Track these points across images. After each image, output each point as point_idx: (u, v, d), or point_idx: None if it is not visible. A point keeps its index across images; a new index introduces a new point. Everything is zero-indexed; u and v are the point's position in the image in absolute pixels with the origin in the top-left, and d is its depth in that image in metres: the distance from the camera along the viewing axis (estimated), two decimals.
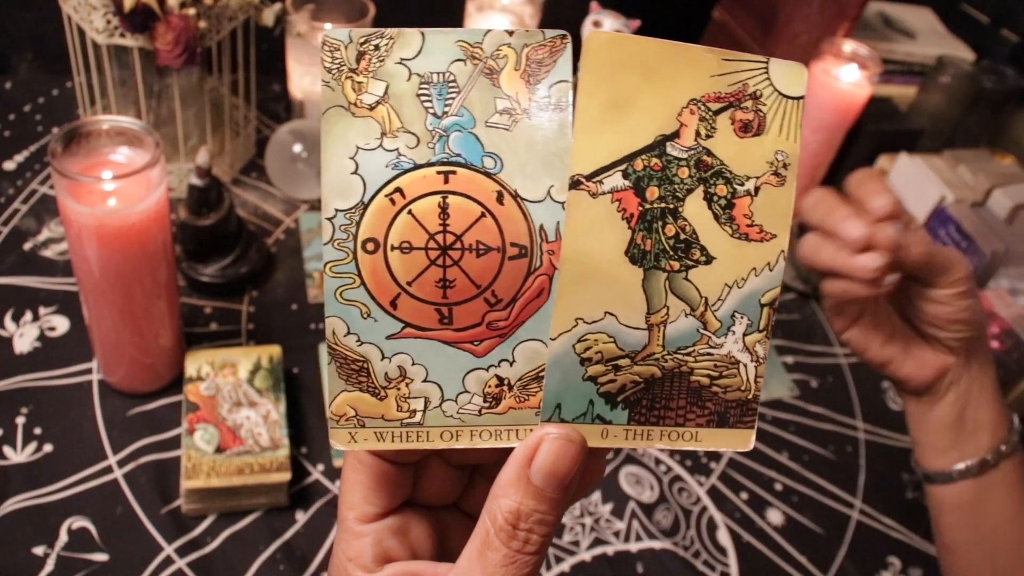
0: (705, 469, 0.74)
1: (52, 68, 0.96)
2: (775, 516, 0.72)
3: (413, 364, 0.28)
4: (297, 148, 0.85)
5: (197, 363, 0.65)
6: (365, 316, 0.28)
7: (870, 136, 0.98)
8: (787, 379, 0.85)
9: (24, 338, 0.69)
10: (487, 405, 0.28)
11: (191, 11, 0.71)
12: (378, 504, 0.30)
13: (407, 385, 0.28)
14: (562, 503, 0.27)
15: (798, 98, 0.28)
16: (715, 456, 0.75)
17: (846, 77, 0.92)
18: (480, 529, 0.27)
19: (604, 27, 0.88)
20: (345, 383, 0.28)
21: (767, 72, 0.28)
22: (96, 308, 0.61)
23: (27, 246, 0.77)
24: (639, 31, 0.90)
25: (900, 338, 0.55)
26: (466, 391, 0.28)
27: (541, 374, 0.28)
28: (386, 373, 0.28)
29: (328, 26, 0.83)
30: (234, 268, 0.76)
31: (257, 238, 0.80)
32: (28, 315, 0.71)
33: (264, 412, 0.63)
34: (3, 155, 0.85)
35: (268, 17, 0.79)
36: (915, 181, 0.94)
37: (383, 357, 0.28)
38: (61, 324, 0.71)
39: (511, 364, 0.28)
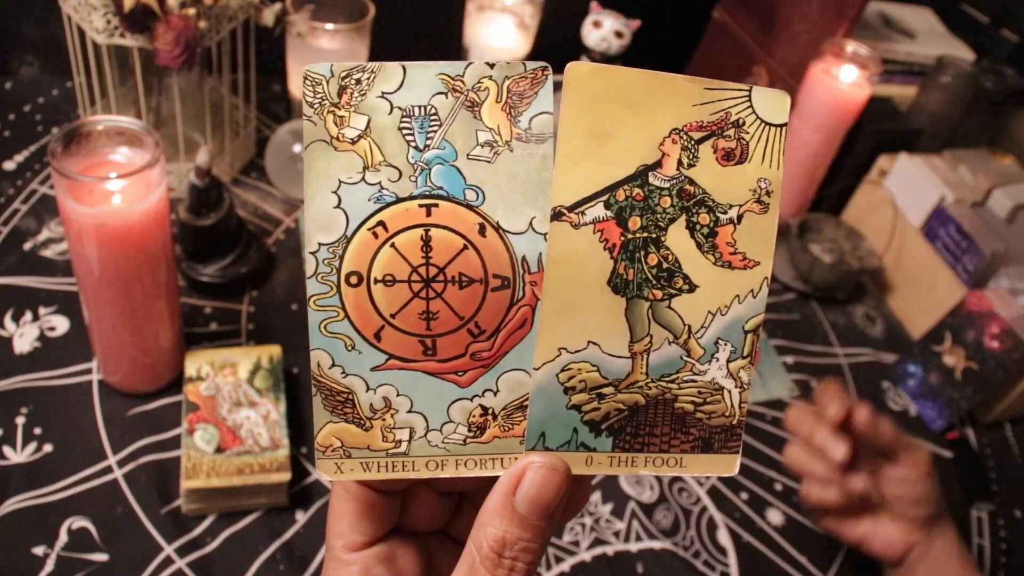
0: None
1: (52, 68, 0.96)
2: (775, 516, 0.72)
3: (398, 395, 0.28)
4: (297, 148, 0.85)
5: (197, 363, 0.65)
6: (349, 348, 0.28)
7: (870, 136, 0.98)
8: (787, 379, 0.85)
9: (24, 338, 0.69)
10: (472, 435, 0.29)
11: (191, 11, 0.71)
12: (365, 532, 0.31)
13: (392, 416, 0.28)
14: (547, 531, 0.28)
15: (781, 125, 0.28)
16: None
17: (846, 77, 0.92)
18: (466, 557, 0.28)
19: (604, 27, 0.88)
20: (331, 414, 0.28)
21: (750, 100, 0.28)
22: (96, 308, 0.61)
23: (27, 246, 0.77)
24: (639, 31, 0.90)
25: (870, 519, 0.63)
26: (451, 421, 0.29)
27: (525, 403, 0.28)
28: (371, 404, 0.28)
29: (329, 26, 0.83)
30: (234, 268, 0.77)
31: (257, 238, 0.80)
32: (28, 315, 0.71)
33: (264, 412, 0.63)
34: (3, 155, 0.85)
35: (268, 17, 0.79)
36: (915, 181, 0.94)
37: (368, 388, 0.28)
38: (61, 324, 0.71)
39: (495, 394, 0.28)
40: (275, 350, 0.67)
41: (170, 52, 0.70)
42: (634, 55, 0.90)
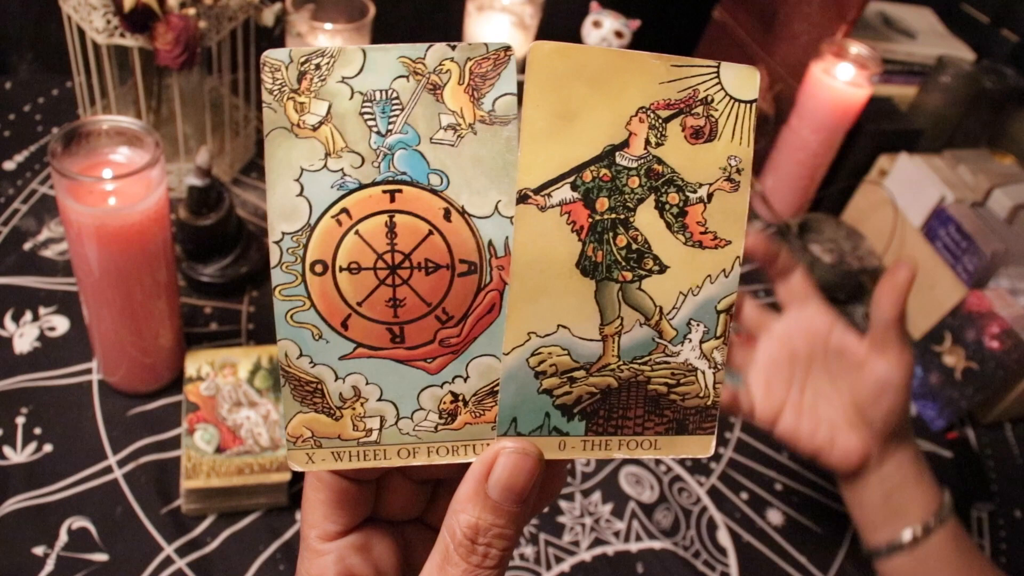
0: (705, 469, 0.74)
1: (52, 68, 0.96)
2: (775, 516, 0.72)
3: (367, 384, 0.28)
4: None
5: (197, 363, 0.65)
6: (317, 338, 0.28)
7: (870, 136, 0.98)
8: None
9: (24, 338, 0.69)
10: (443, 421, 0.28)
11: (191, 11, 0.71)
12: (339, 522, 0.31)
13: (362, 404, 0.28)
14: (520, 517, 0.27)
15: (751, 102, 0.28)
16: (715, 456, 0.75)
17: (845, 77, 0.92)
18: (440, 544, 0.28)
19: (604, 27, 0.89)
20: (300, 404, 0.28)
21: (718, 76, 0.28)
22: (96, 308, 0.61)
23: (27, 246, 0.77)
24: (639, 31, 0.90)
25: (826, 429, 0.60)
26: (421, 408, 0.28)
27: (496, 389, 0.28)
28: (340, 393, 0.28)
29: (329, 26, 0.83)
30: (234, 268, 0.77)
31: (257, 238, 0.80)
32: (28, 315, 0.71)
33: (264, 412, 0.63)
34: (3, 155, 0.85)
35: (268, 17, 0.79)
36: (915, 181, 0.94)
37: (336, 378, 0.28)
38: (61, 324, 0.71)
39: (465, 380, 0.28)
40: (275, 350, 0.67)
41: (170, 52, 0.70)
42: None
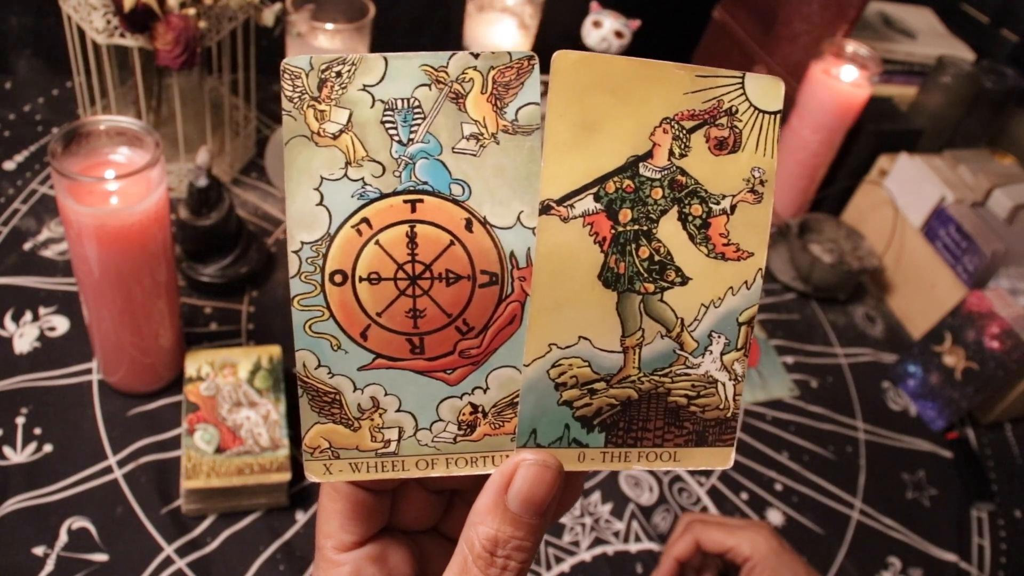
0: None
1: (52, 68, 0.96)
2: (775, 516, 0.72)
3: (386, 394, 0.28)
4: None
5: (197, 363, 0.65)
6: (335, 348, 0.28)
7: (870, 136, 0.98)
8: (787, 379, 0.85)
9: (24, 338, 0.69)
10: (462, 433, 0.28)
11: (191, 11, 0.71)
12: (356, 532, 0.30)
13: (380, 415, 0.28)
14: (540, 529, 0.27)
15: (775, 113, 0.28)
16: None
17: (846, 77, 0.92)
18: (458, 556, 0.27)
19: (604, 27, 0.88)
20: (318, 415, 0.28)
21: (743, 87, 0.28)
22: (96, 308, 0.61)
23: (27, 246, 0.77)
24: (639, 31, 0.90)
25: None
26: (440, 419, 0.28)
27: (515, 400, 0.28)
28: (359, 404, 0.28)
29: (329, 26, 0.83)
30: (234, 268, 0.77)
31: (257, 238, 0.80)
32: (28, 315, 0.71)
33: (264, 412, 0.63)
34: (3, 155, 0.85)
35: (268, 17, 0.79)
36: (915, 181, 0.94)
37: (355, 388, 0.28)
38: (61, 324, 0.71)
39: (485, 391, 0.28)
40: (275, 350, 0.67)
41: (170, 52, 0.70)
42: (634, 55, 0.90)
